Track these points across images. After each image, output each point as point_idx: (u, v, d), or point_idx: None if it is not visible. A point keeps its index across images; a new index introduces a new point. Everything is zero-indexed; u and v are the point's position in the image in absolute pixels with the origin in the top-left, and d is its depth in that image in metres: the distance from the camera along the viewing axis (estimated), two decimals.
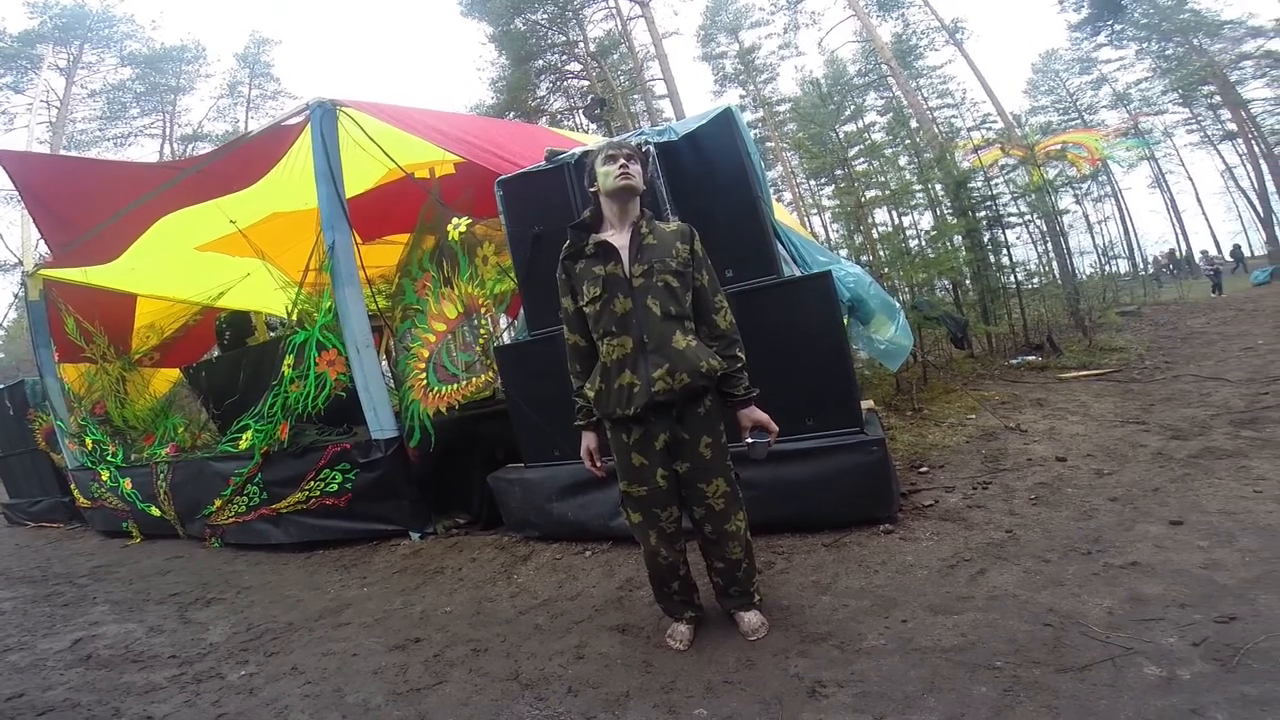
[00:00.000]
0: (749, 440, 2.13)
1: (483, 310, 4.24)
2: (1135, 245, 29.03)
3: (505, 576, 3.21)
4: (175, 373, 7.21)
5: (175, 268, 6.17)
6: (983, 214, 8.42)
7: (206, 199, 5.07)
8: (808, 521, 2.94)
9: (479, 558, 3.54)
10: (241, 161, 4.76)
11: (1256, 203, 27.78)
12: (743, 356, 2.14)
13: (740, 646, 2.11)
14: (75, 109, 24.66)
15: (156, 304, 7.08)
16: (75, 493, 6.60)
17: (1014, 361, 6.93)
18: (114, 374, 6.58)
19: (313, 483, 4.24)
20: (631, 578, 2.86)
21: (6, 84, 23.02)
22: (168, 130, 26.61)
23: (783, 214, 4.72)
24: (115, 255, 5.81)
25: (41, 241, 6.70)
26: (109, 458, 6.00)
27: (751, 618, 2.19)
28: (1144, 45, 26.93)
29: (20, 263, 7.17)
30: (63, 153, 20.79)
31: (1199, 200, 32.99)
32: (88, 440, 6.25)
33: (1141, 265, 25.92)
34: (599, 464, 2.28)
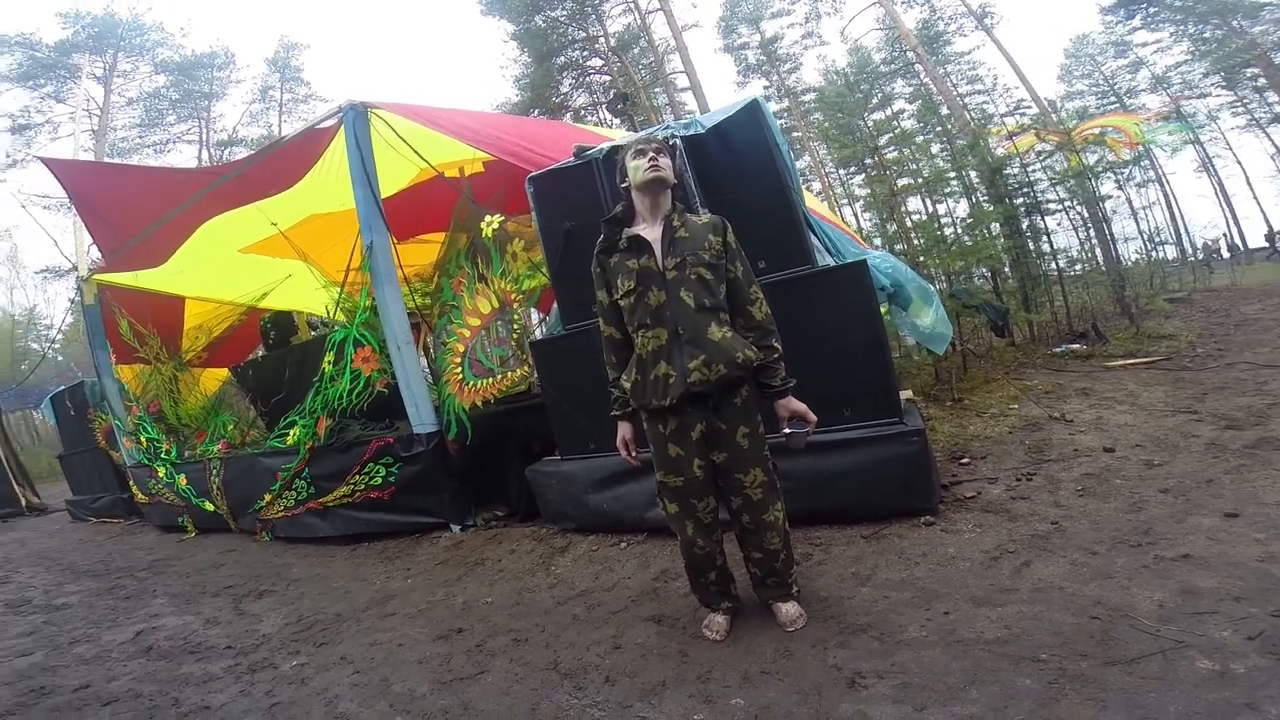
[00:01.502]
0: (787, 430, 2.14)
1: (515, 305, 4.30)
2: (1183, 230, 27.91)
3: (543, 568, 3.26)
4: (224, 372, 7.46)
5: (220, 270, 6.38)
6: (1020, 200, 8.20)
7: (248, 202, 5.23)
8: (846, 513, 2.92)
9: (518, 549, 3.60)
10: (279, 165, 4.89)
11: None
12: (779, 347, 2.14)
13: (778, 637, 2.12)
14: (115, 117, 25.43)
15: (204, 305, 7.35)
16: (134, 489, 6.89)
17: (1057, 350, 6.74)
18: (167, 374, 6.84)
19: (358, 476, 4.36)
20: (666, 569, 2.88)
21: (48, 93, 23.85)
22: (204, 136, 27.32)
23: (814, 204, 4.67)
24: (164, 259, 6.03)
25: (94, 246, 6.97)
26: (164, 455, 6.24)
27: (789, 608, 2.19)
28: (1180, 28, 25.83)
29: (75, 268, 7.45)
30: (107, 160, 21.54)
31: (1249, 184, 31.54)
32: (143, 438, 6.51)
33: (1190, 251, 24.89)
34: (635, 454, 2.31)
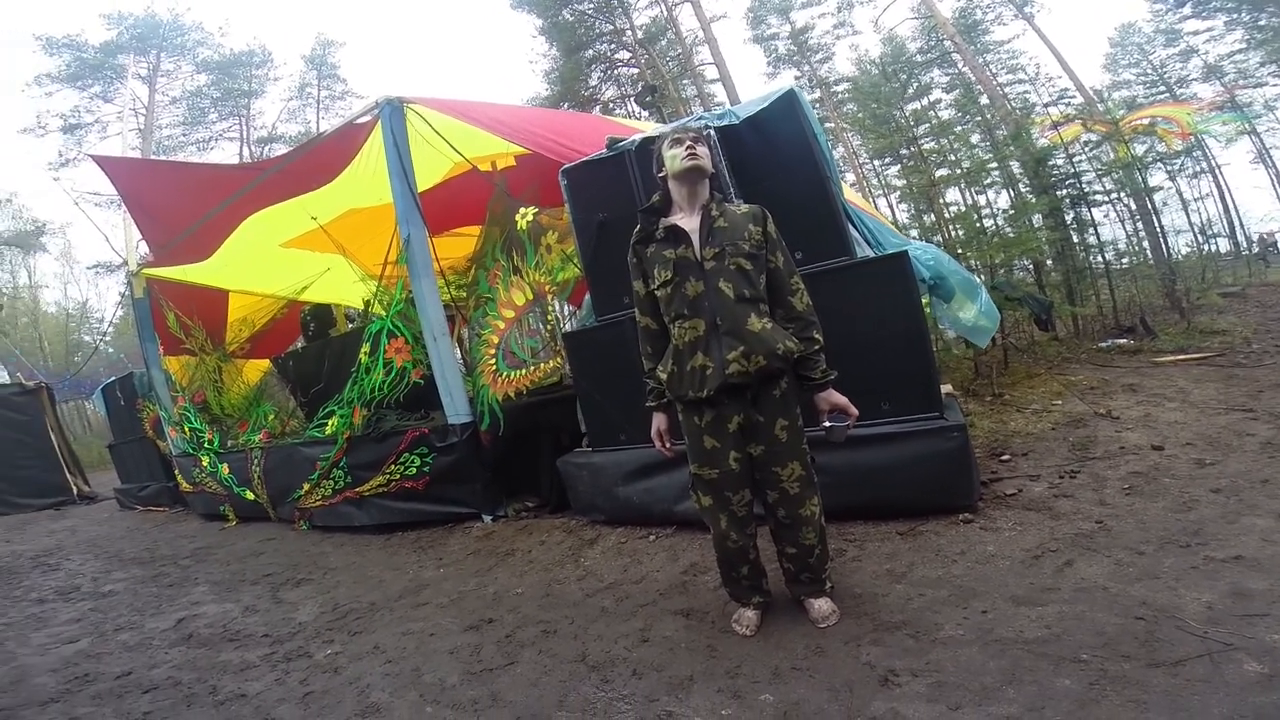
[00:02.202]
0: (827, 424, 2.10)
1: (549, 296, 4.33)
2: (1237, 223, 26.76)
3: (573, 559, 3.28)
4: (265, 363, 7.65)
5: (262, 264, 6.54)
6: (1064, 192, 7.95)
7: (288, 197, 5.35)
8: (882, 508, 2.87)
9: (548, 540, 3.62)
10: (318, 160, 4.99)
11: None
12: (820, 339, 2.10)
13: (809, 633, 2.09)
14: (160, 115, 26.19)
15: (247, 298, 7.54)
16: (179, 478, 7.11)
17: (1103, 345, 6.53)
18: (211, 365, 7.05)
19: (393, 466, 4.43)
20: (695, 563, 2.87)
21: (96, 93, 24.67)
22: (244, 133, 27.99)
23: (851, 195, 4.59)
24: (208, 253, 6.21)
25: (142, 242, 7.21)
26: (207, 444, 6.43)
27: (822, 605, 2.16)
28: (1234, 16, 24.71)
29: (125, 263, 7.72)
30: (154, 158, 22.23)
31: None
32: (187, 428, 6.72)
33: (1245, 244, 23.87)
34: (669, 445, 2.29)
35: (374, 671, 2.42)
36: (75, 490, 10.44)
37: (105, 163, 5.88)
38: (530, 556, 3.46)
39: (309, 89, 29.43)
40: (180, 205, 5.79)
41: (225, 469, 6.10)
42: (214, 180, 5.85)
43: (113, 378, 9.47)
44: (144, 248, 7.40)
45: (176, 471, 7.16)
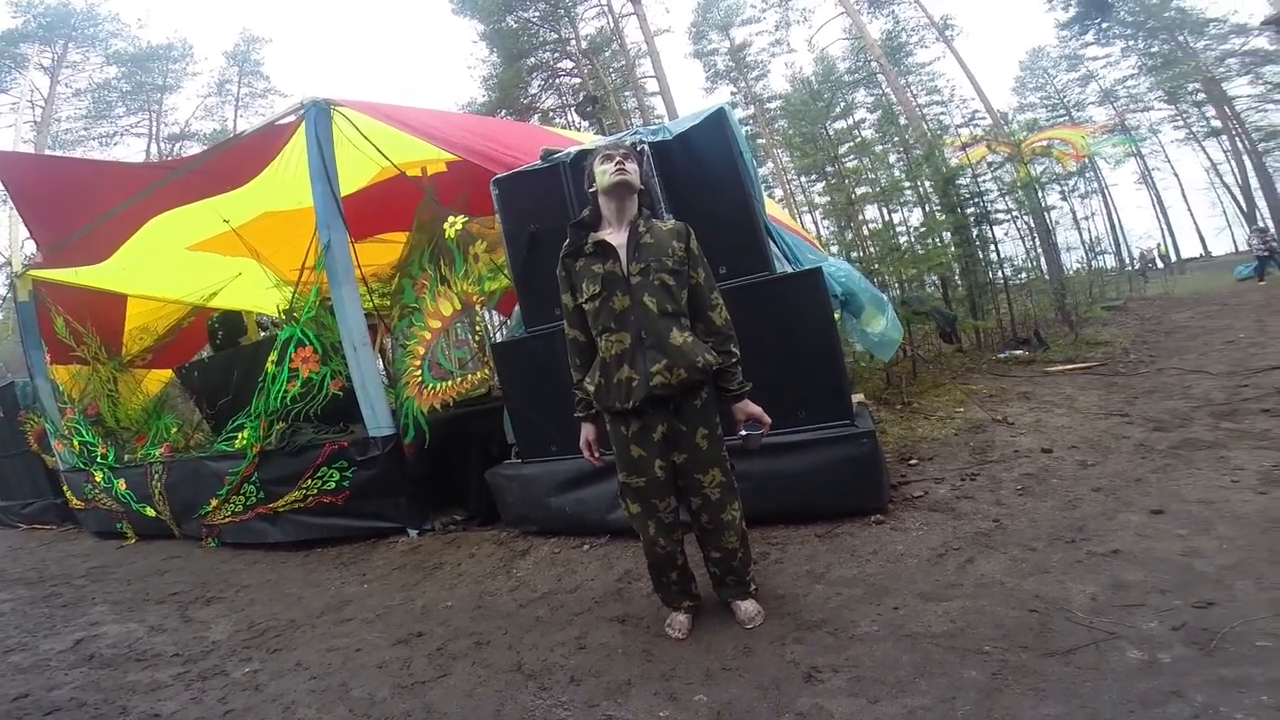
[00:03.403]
0: (743, 432, 2.20)
1: (477, 307, 4.27)
2: (1122, 241, 29.30)
3: (505, 571, 3.25)
4: (167, 373, 7.19)
5: (167, 268, 6.15)
6: (971, 210, 8.51)
7: (198, 199, 5.06)
8: (801, 513, 3.00)
9: (478, 553, 3.58)
10: (234, 161, 4.75)
11: (1240, 198, 28.12)
12: (737, 353, 2.20)
13: (737, 635, 2.17)
14: (60, 108, 24.44)
15: (148, 304, 7.06)
16: (68, 494, 6.57)
17: (1001, 356, 7.01)
18: (105, 375, 6.55)
19: (310, 481, 4.26)
20: (629, 570, 2.91)
21: None
22: (154, 129, 26.39)
23: (775, 210, 4.77)
24: (106, 255, 5.79)
25: (29, 241, 6.65)
26: (100, 459, 5.98)
27: (748, 606, 2.24)
28: (1130, 43, 27.18)
29: (8, 263, 7.10)
30: (48, 152, 20.56)
31: (1184, 196, 33.37)
32: (75, 442, 6.23)
33: (1128, 260, 26.17)
34: (598, 455, 2.34)
35: (298, 688, 2.34)
36: None
37: None
38: (460, 569, 3.41)
39: (229, 85, 28.08)
40: (76, 203, 5.38)
41: (122, 484, 5.68)
42: (116, 178, 5.47)
43: None
44: (31, 247, 6.83)
45: (65, 487, 6.62)
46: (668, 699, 1.88)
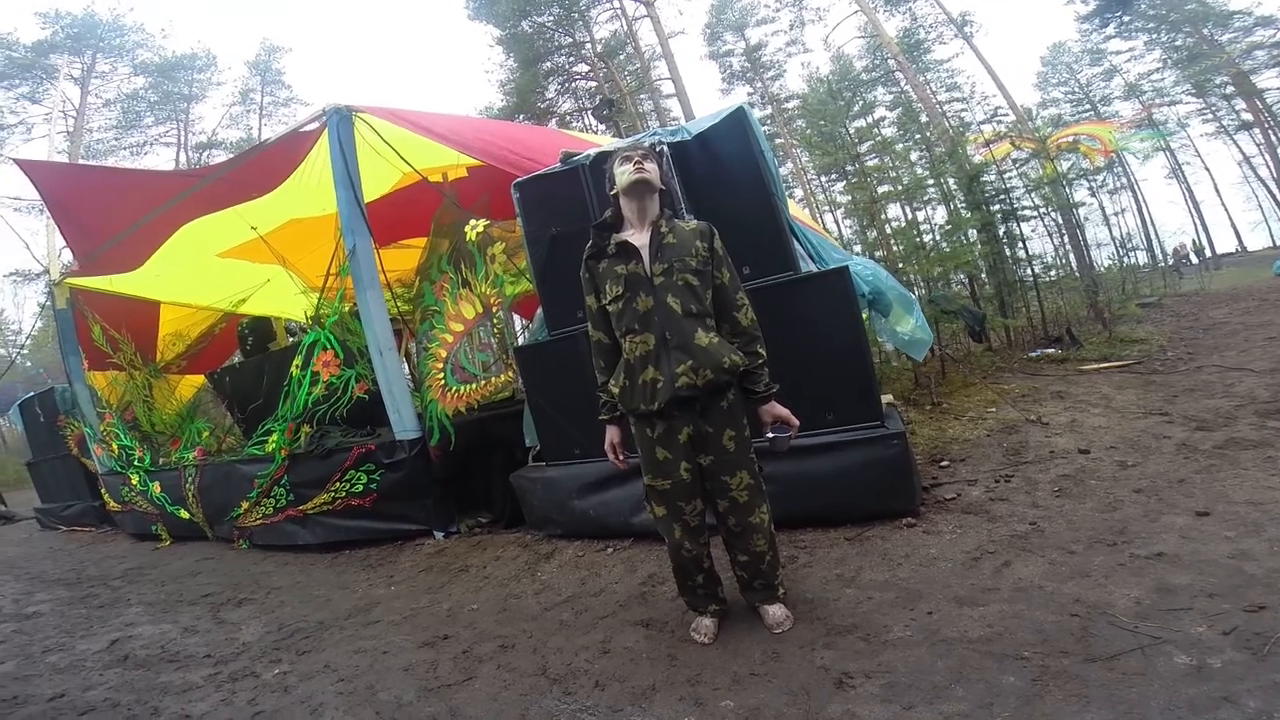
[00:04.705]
0: (770, 434, 2.17)
1: (496, 310, 4.29)
2: (1154, 236, 28.59)
3: (529, 574, 3.25)
4: (200, 378, 7.33)
5: (198, 274, 6.29)
6: (997, 207, 8.36)
7: (227, 206, 5.16)
8: (830, 515, 2.95)
9: (502, 556, 3.58)
10: (260, 168, 4.84)
11: (1276, 192, 27.30)
12: (763, 353, 2.17)
13: (765, 639, 2.13)
14: (91, 118, 25.07)
15: (180, 311, 7.23)
16: (106, 497, 6.74)
17: (1033, 354, 6.87)
18: (141, 380, 6.70)
19: (338, 484, 4.31)
20: (653, 574, 2.89)
21: (23, 94, 23.44)
22: (182, 138, 27.00)
23: (796, 211, 4.72)
24: (139, 263, 5.92)
25: (66, 250, 6.82)
26: (137, 462, 6.11)
27: (776, 611, 2.21)
28: (1153, 36, 26.55)
29: (46, 271, 7.29)
30: (81, 161, 21.14)
31: (1217, 190, 32.45)
32: (115, 445, 6.38)
33: (1160, 256, 25.52)
34: (622, 457, 2.32)
35: (326, 690, 2.35)
36: None
37: (28, 166, 5.55)
38: (485, 572, 3.41)
39: (252, 95, 28.63)
40: (109, 212, 5.51)
41: (157, 487, 5.81)
42: (147, 186, 5.60)
43: (31, 393, 8.94)
44: (68, 255, 7.01)
45: (103, 490, 6.79)
46: (693, 704, 1.85)
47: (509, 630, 2.61)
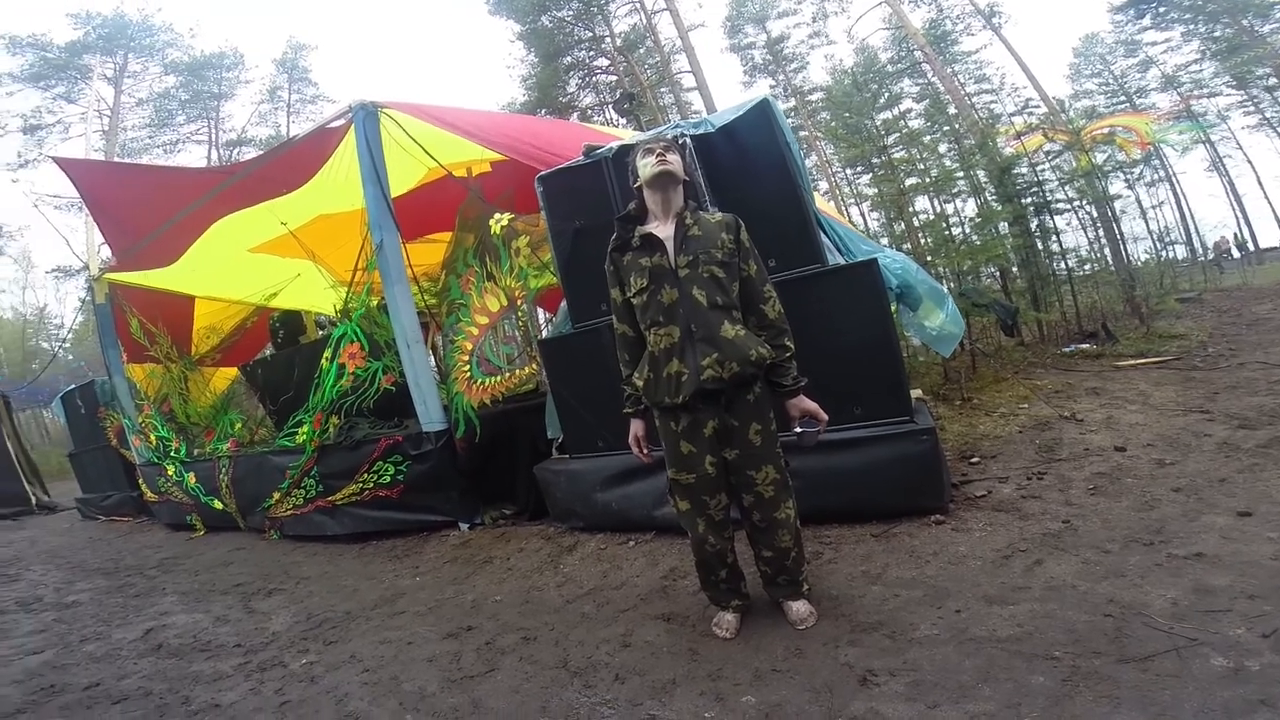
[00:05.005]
0: (798, 429, 2.15)
1: (520, 303, 4.31)
2: (1193, 230, 27.71)
3: (552, 566, 3.27)
4: (233, 370, 7.50)
5: (230, 269, 6.42)
6: (1029, 200, 8.17)
7: (257, 202, 5.26)
8: (856, 511, 2.91)
9: (526, 548, 3.60)
10: (289, 164, 4.91)
11: None
12: (791, 346, 2.14)
13: (788, 635, 2.11)
14: (125, 117, 25.60)
15: (214, 305, 7.40)
16: (143, 487, 6.92)
17: (1067, 349, 6.71)
18: (177, 373, 6.87)
19: (366, 475, 4.37)
20: (675, 567, 2.88)
21: (60, 94, 24.02)
22: (213, 136, 27.50)
23: (821, 203, 4.66)
24: (174, 258, 6.07)
25: (104, 246, 7.01)
26: (173, 453, 6.27)
27: (800, 607, 2.19)
28: (1190, 28, 25.66)
29: (86, 267, 7.49)
30: (118, 160, 21.68)
31: (1260, 184, 31.29)
32: (153, 436, 6.55)
33: (1200, 250, 24.73)
34: (646, 451, 2.31)
35: (351, 680, 2.39)
36: (34, 500, 10.09)
37: (67, 164, 5.72)
38: (509, 564, 3.43)
39: (280, 92, 29.03)
40: (145, 208, 5.65)
41: (192, 478, 5.95)
42: (181, 183, 5.73)
43: (73, 385, 9.21)
44: (106, 251, 7.21)
45: (141, 481, 6.98)
46: (714, 700, 1.84)
47: (531, 622, 2.63)
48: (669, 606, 2.52)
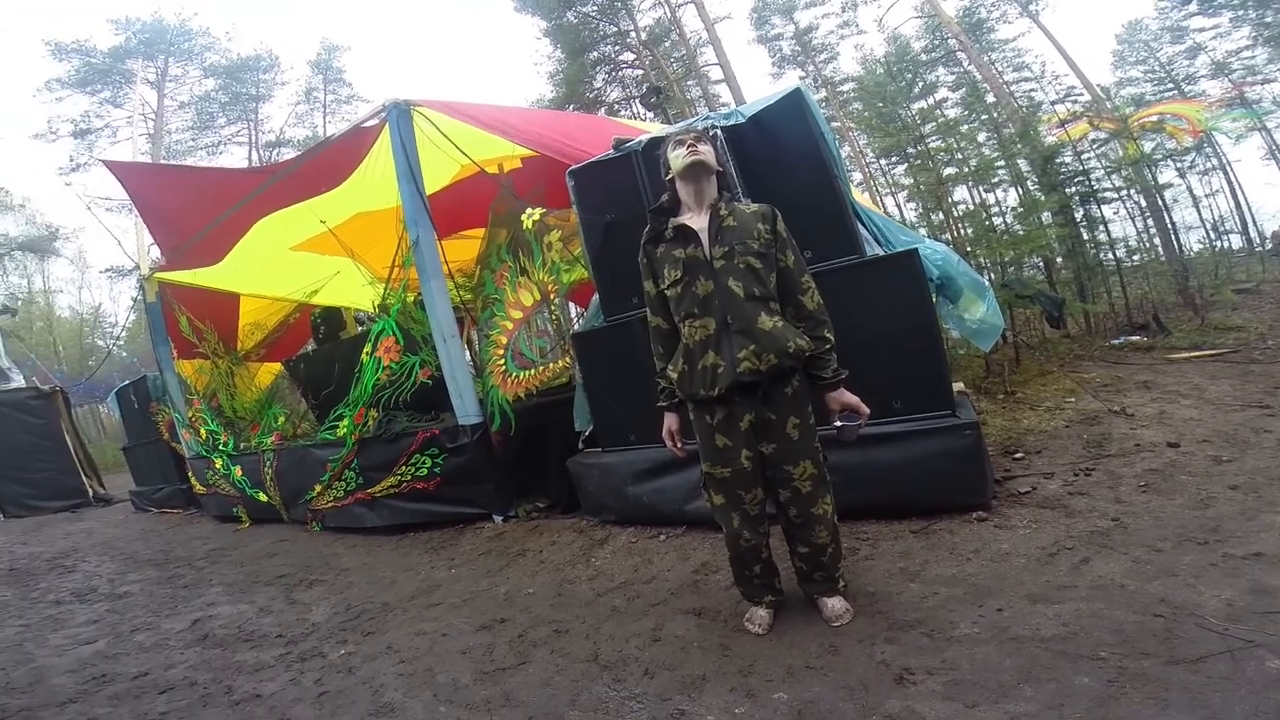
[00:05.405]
0: (838, 423, 2.11)
1: (553, 297, 4.33)
2: (1250, 220, 26.46)
3: (584, 559, 3.28)
4: (277, 366, 7.71)
5: (273, 267, 6.59)
6: (1074, 189, 7.90)
7: (297, 201, 5.37)
8: (895, 507, 2.86)
9: (559, 541, 3.63)
10: (326, 164, 5.01)
11: None
12: (831, 338, 2.10)
13: (822, 632, 2.08)
14: (169, 120, 26.50)
15: (258, 302, 7.60)
16: (192, 480, 7.17)
17: (1116, 342, 6.49)
18: (224, 368, 7.09)
19: (404, 467, 4.45)
20: (706, 562, 2.86)
21: (105, 98, 24.97)
22: (253, 137, 28.25)
23: (858, 195, 4.58)
24: (220, 257, 6.25)
25: (154, 246, 7.26)
26: (221, 446, 6.47)
27: (835, 603, 2.15)
28: (1240, 13, 24.47)
29: (137, 267, 7.77)
30: (164, 162, 22.41)
31: None
32: (203, 431, 6.77)
33: (1258, 240, 23.59)
34: (680, 445, 2.29)
35: (387, 671, 2.43)
36: (91, 493, 10.51)
37: (116, 167, 5.93)
38: (541, 556, 3.46)
39: (315, 93, 29.67)
40: (191, 209, 5.83)
41: (238, 471, 6.14)
42: (224, 184, 5.89)
43: (126, 381, 9.55)
44: (156, 252, 7.46)
45: (190, 474, 7.22)
46: (745, 695, 1.83)
47: (563, 615, 2.64)
48: (700, 601, 2.51)
